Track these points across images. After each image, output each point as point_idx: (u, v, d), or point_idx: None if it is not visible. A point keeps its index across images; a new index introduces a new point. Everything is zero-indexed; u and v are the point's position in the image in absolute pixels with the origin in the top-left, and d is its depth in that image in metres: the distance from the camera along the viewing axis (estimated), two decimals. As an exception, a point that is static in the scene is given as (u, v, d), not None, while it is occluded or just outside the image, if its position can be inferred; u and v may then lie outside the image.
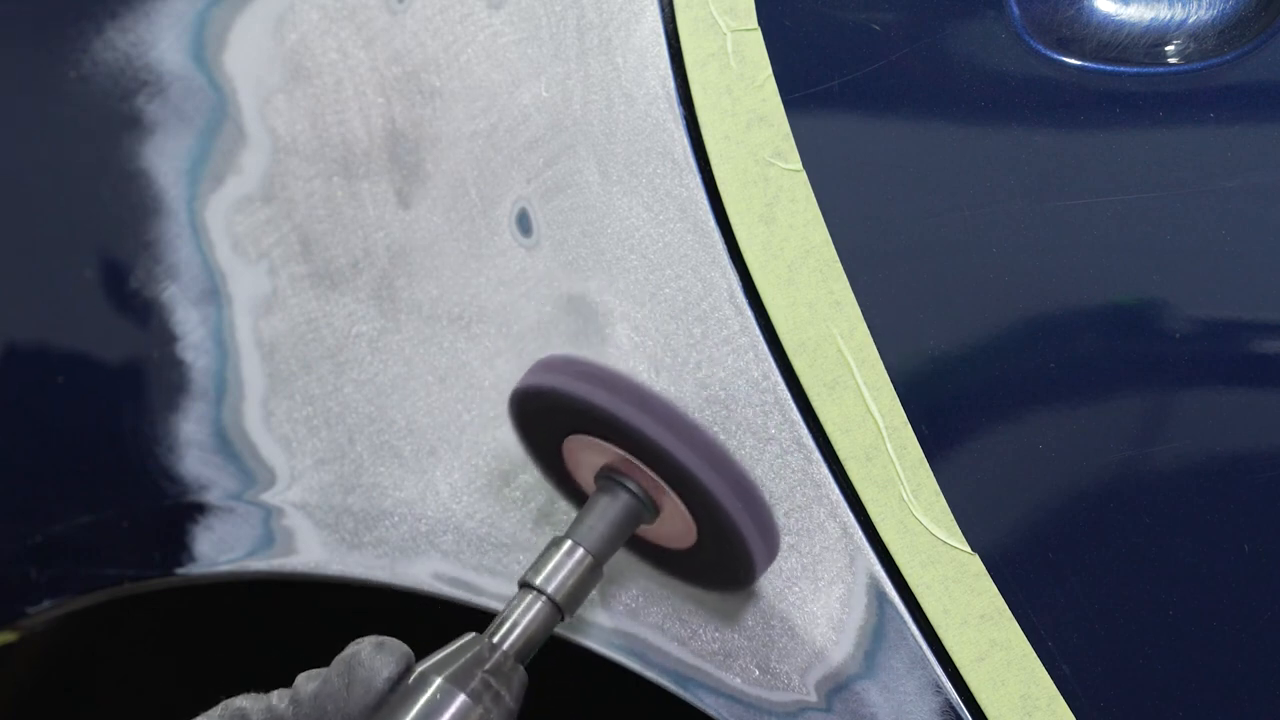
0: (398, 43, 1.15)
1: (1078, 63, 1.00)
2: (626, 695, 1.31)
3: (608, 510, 1.00)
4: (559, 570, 0.98)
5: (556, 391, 0.98)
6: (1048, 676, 1.00)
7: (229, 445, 1.20)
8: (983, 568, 1.00)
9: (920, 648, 1.02)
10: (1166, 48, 0.99)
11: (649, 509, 1.01)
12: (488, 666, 0.93)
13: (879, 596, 1.03)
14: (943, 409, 1.01)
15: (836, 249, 1.02)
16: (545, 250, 1.12)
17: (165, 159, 1.23)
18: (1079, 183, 0.99)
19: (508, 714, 0.93)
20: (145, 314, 1.23)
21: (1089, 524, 0.99)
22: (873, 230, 1.03)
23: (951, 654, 1.01)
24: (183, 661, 1.66)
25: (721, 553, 1.01)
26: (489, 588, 1.15)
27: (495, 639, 0.95)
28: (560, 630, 1.12)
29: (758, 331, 1.05)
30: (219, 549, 1.20)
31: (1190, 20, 0.99)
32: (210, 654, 1.66)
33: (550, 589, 0.97)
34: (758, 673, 1.07)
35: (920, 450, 1.01)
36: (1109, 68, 0.99)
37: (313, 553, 1.17)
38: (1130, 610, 0.99)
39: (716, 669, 1.08)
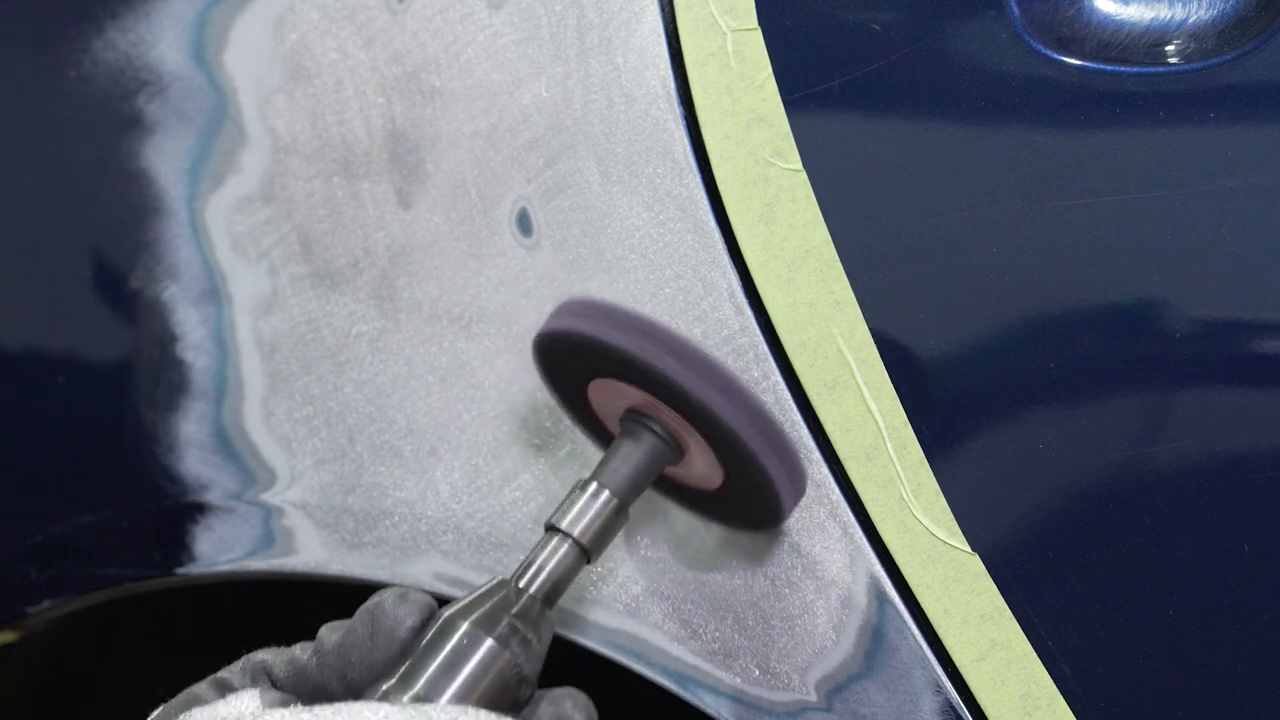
0: (398, 43, 1.15)
1: (1078, 63, 1.00)
2: (626, 695, 1.31)
3: (633, 452, 0.99)
4: (585, 513, 0.97)
5: (580, 335, 0.97)
6: (1048, 676, 1.00)
7: (229, 445, 1.20)
8: (983, 568, 1.00)
9: (920, 647, 1.02)
10: (1166, 48, 0.99)
11: (674, 450, 1.00)
12: (515, 610, 0.92)
13: (879, 596, 1.03)
14: (943, 409, 1.01)
15: (836, 249, 1.02)
16: (545, 250, 1.12)
17: (165, 159, 1.23)
18: (1079, 183, 0.99)
19: (536, 658, 0.92)
20: (145, 314, 1.23)
21: (1089, 524, 0.99)
22: (873, 230, 1.03)
23: (952, 654, 1.01)
24: (183, 661, 1.66)
25: (749, 492, 1.00)
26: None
27: (521, 583, 0.94)
28: (560, 630, 1.13)
29: (758, 331, 1.05)
30: (219, 549, 1.20)
31: (1190, 20, 0.99)
32: (211, 654, 1.66)
33: (576, 532, 0.96)
34: (758, 673, 1.07)
35: (920, 450, 1.01)
36: (1109, 68, 0.99)
37: (313, 553, 1.17)
38: (1130, 610, 0.99)
39: (716, 669, 1.08)
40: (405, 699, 0.86)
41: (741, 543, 1.07)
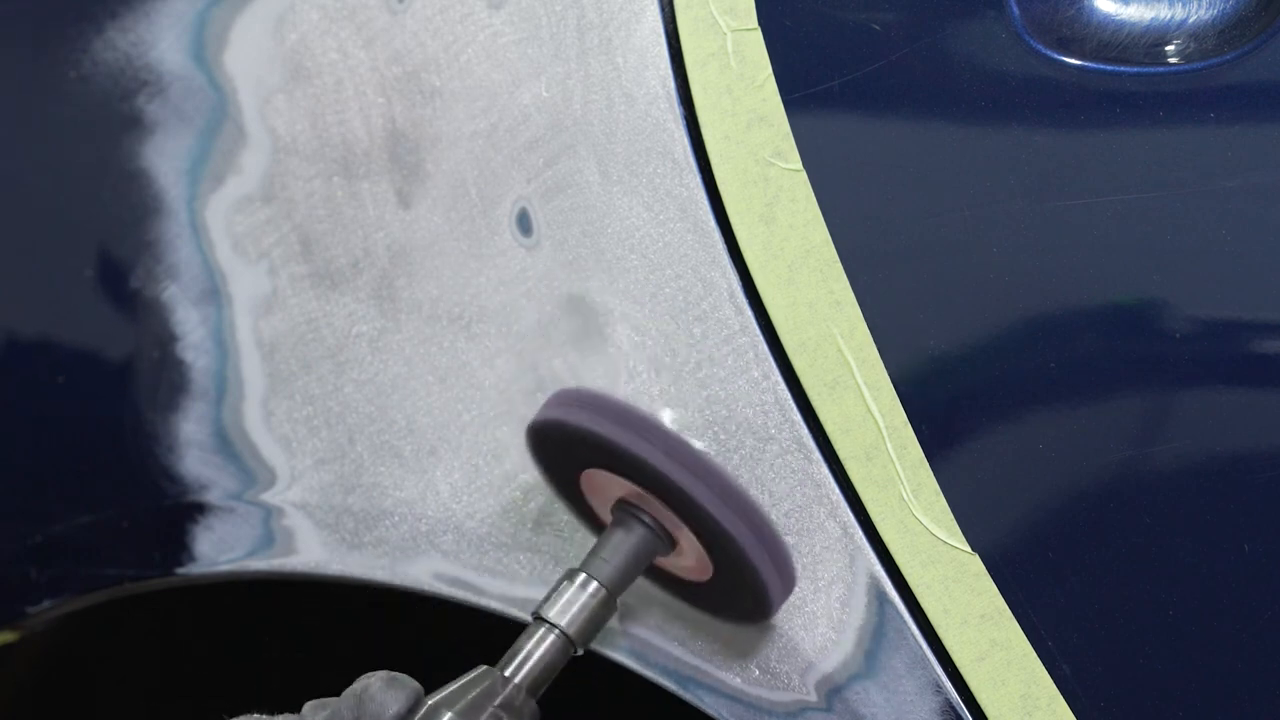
0: (398, 43, 1.15)
1: (1078, 63, 1.00)
2: (627, 695, 1.31)
3: (623, 543, 1.00)
4: (572, 604, 0.98)
5: (573, 427, 0.99)
6: (1048, 676, 1.00)
7: (229, 445, 1.20)
8: (983, 568, 1.00)
9: (920, 648, 1.02)
10: (1166, 48, 0.99)
11: (664, 543, 1.01)
12: (499, 701, 0.92)
13: (879, 596, 1.03)
14: (943, 409, 1.01)
15: (836, 249, 1.02)
16: (545, 250, 1.12)
17: (165, 159, 1.23)
18: (1079, 183, 0.99)
19: None
20: (145, 314, 1.23)
21: (1089, 524, 0.99)
22: (873, 230, 1.03)
23: (952, 654, 1.01)
24: (183, 662, 1.66)
25: (738, 587, 1.01)
26: (489, 588, 1.15)
27: (507, 672, 0.95)
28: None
29: (758, 331, 1.05)
30: (219, 549, 1.20)
31: (1190, 20, 0.99)
32: (210, 654, 1.66)
33: (564, 623, 0.97)
34: (758, 673, 1.07)
35: (920, 450, 1.01)
36: (1109, 68, 0.99)
37: (313, 553, 1.17)
38: (1130, 610, 0.99)
39: (716, 669, 1.08)
40: None
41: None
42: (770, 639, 1.06)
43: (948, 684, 1.02)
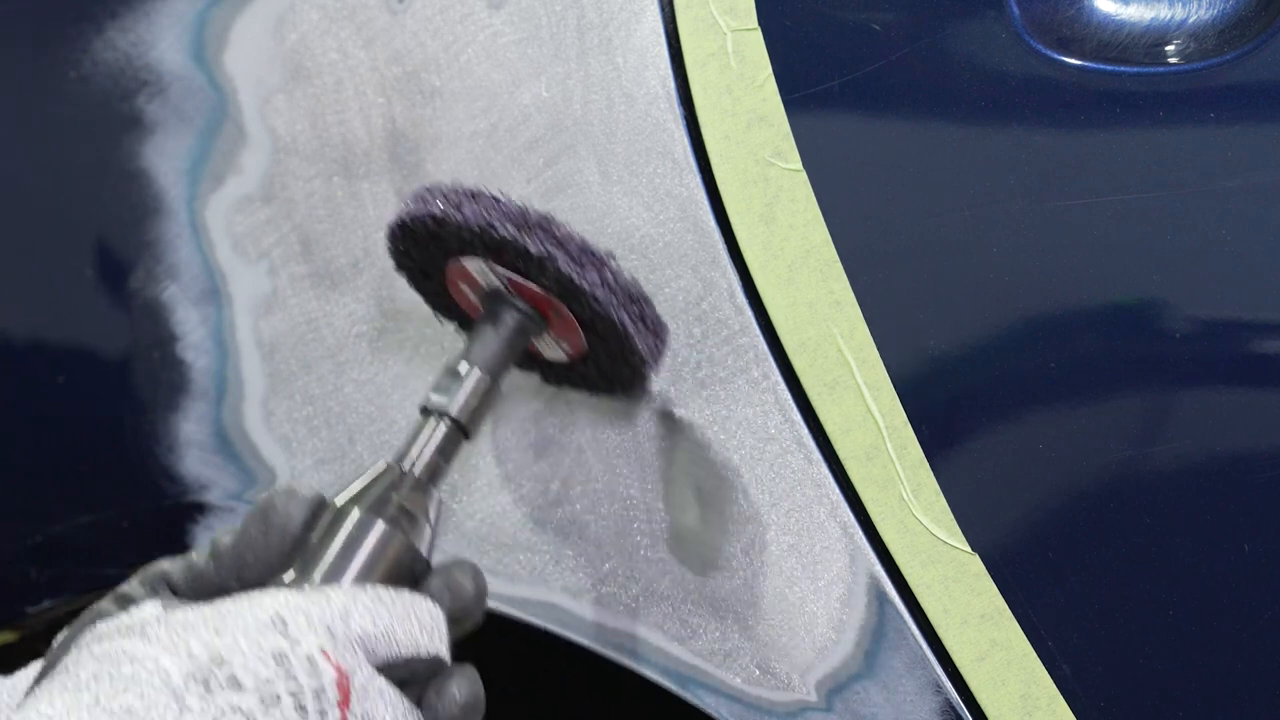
0: (398, 43, 1.15)
1: (1078, 63, 1.00)
2: (627, 695, 1.31)
3: (497, 330, 1.01)
4: (459, 393, 0.99)
5: (432, 217, 1.00)
6: (1048, 676, 1.00)
7: (229, 445, 1.20)
8: (983, 568, 1.00)
9: (920, 648, 1.02)
10: (1166, 48, 0.99)
11: (537, 322, 1.02)
12: (403, 492, 0.93)
13: (879, 596, 1.03)
14: (943, 409, 1.01)
15: (836, 249, 1.02)
16: (545, 250, 1.12)
17: (165, 159, 1.23)
18: (1079, 183, 0.99)
19: (428, 536, 0.94)
20: (145, 314, 1.23)
21: (1089, 524, 0.99)
22: (873, 230, 1.03)
23: (952, 654, 1.01)
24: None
25: (613, 354, 1.03)
26: (489, 588, 1.15)
27: (406, 466, 0.96)
28: (560, 630, 1.13)
29: (758, 331, 1.05)
30: (219, 549, 1.20)
31: (1190, 20, 0.99)
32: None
33: (453, 411, 0.98)
34: (758, 673, 1.07)
35: (920, 450, 1.01)
36: (1109, 68, 0.99)
37: (313, 553, 1.17)
38: (1130, 610, 0.99)
39: (716, 669, 1.08)
40: (305, 587, 0.87)
41: (742, 542, 1.07)
42: (770, 639, 1.06)
43: (948, 684, 1.02)
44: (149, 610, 0.84)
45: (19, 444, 1.28)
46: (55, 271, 1.27)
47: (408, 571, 0.91)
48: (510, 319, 1.02)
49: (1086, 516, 0.99)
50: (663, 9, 1.07)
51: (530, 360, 1.07)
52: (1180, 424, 0.99)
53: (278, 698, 0.79)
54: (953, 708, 1.02)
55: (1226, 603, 0.98)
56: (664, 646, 1.10)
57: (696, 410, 1.07)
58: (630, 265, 1.09)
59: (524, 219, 0.98)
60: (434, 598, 0.90)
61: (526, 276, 0.99)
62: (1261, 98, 0.99)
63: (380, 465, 0.95)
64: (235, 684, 0.79)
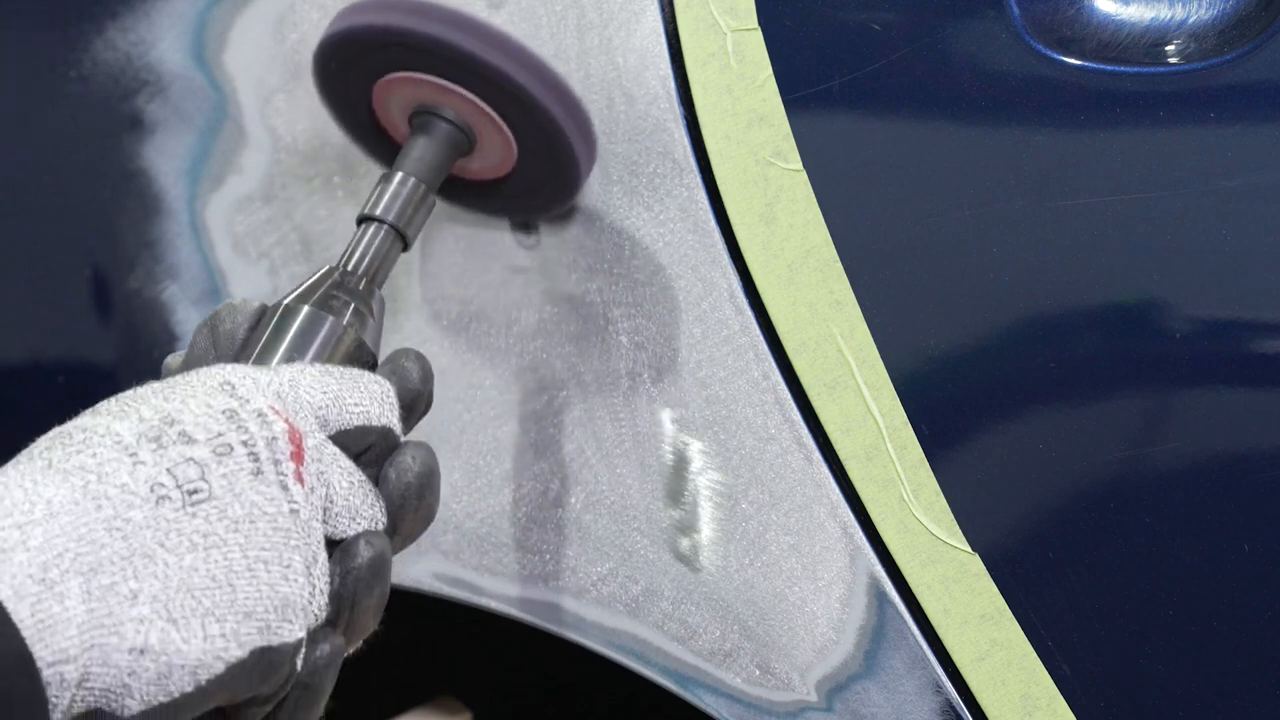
0: (398, 43, 1.14)
1: (1078, 63, 1.00)
2: (627, 695, 1.31)
3: (429, 141, 1.03)
4: (395, 200, 1.00)
5: (363, 29, 1.01)
6: (1048, 676, 1.00)
7: (229, 445, 1.19)
8: (983, 568, 1.00)
9: (920, 647, 1.02)
10: (1166, 48, 0.99)
11: (467, 134, 1.04)
12: (347, 290, 0.95)
13: (879, 596, 1.03)
14: (943, 409, 1.01)
15: (836, 249, 1.02)
16: (545, 250, 1.12)
17: (165, 159, 1.23)
18: (1079, 183, 0.99)
19: (374, 330, 0.95)
20: (145, 314, 1.23)
21: (1089, 524, 0.99)
22: (873, 230, 1.03)
23: (952, 654, 1.01)
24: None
25: (544, 160, 1.05)
26: (489, 588, 1.15)
27: (349, 266, 0.98)
28: (560, 630, 1.13)
29: (758, 331, 1.05)
30: (219, 549, 1.19)
31: (1190, 20, 0.99)
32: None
33: (391, 217, 1.00)
34: (758, 673, 1.07)
35: (920, 450, 1.01)
36: (1109, 68, 0.99)
37: (313, 553, 1.17)
38: (1130, 610, 0.99)
39: (716, 669, 1.08)
40: None
41: (742, 542, 1.07)
42: (770, 639, 1.06)
43: (948, 684, 1.02)
44: (101, 401, 0.85)
45: (19, 444, 1.28)
46: (55, 271, 1.27)
47: (356, 363, 0.93)
48: (440, 128, 1.03)
49: (1086, 516, 0.99)
50: (663, 9, 1.07)
51: (460, 186, 1.09)
52: (1180, 424, 0.99)
53: (230, 447, 0.79)
54: (953, 708, 1.02)
55: (1226, 603, 0.98)
56: (664, 646, 1.10)
57: (696, 410, 1.07)
58: (630, 265, 1.09)
59: (450, 20, 1.00)
60: None
61: (454, 80, 1.01)
62: (1261, 98, 0.99)
63: (323, 268, 0.96)
64: (187, 438, 0.79)
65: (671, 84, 1.06)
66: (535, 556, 1.13)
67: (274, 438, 0.81)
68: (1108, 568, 0.99)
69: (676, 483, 1.08)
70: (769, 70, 1.03)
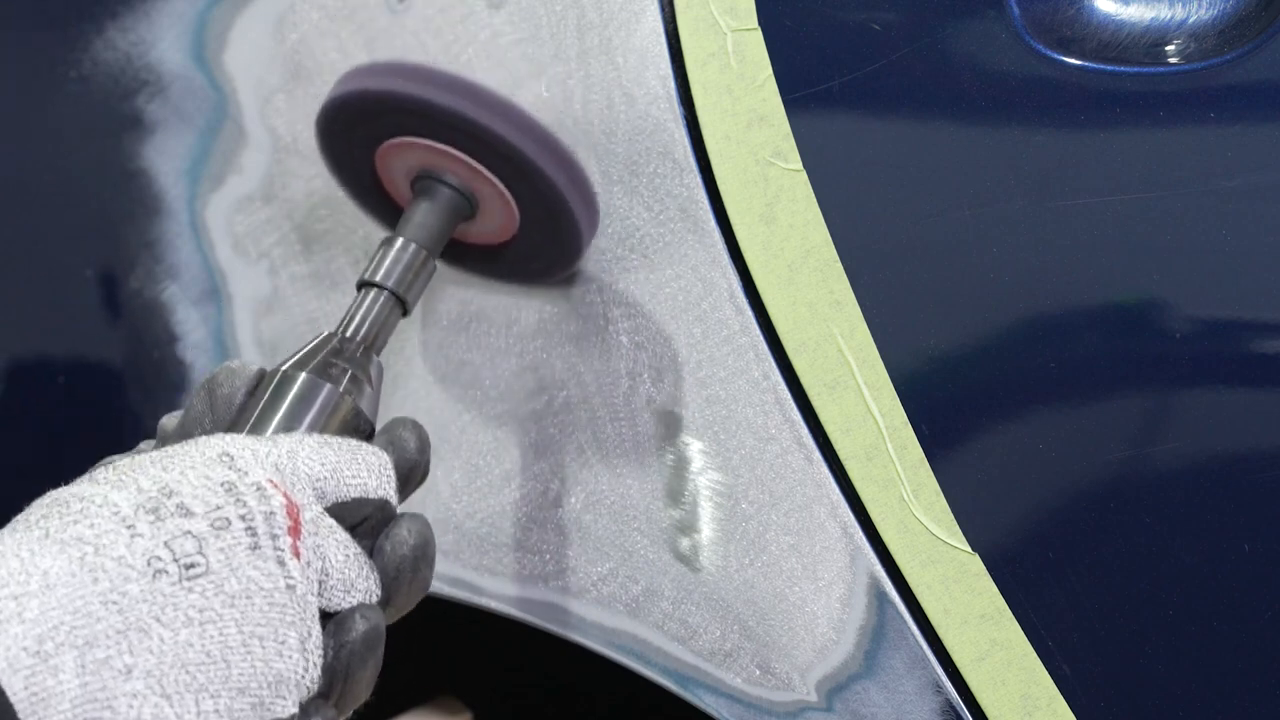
0: (398, 43, 1.15)
1: (1078, 63, 1.00)
2: (627, 695, 1.31)
3: (430, 207, 1.03)
4: (395, 265, 1.00)
5: (362, 94, 1.02)
6: (1048, 676, 1.00)
7: (229, 445, 1.19)
8: (983, 567, 1.00)
9: (920, 647, 1.02)
10: (1166, 48, 0.99)
11: (469, 200, 1.04)
12: (345, 357, 0.95)
13: (879, 596, 1.03)
14: (943, 409, 1.01)
15: (836, 249, 1.02)
16: (545, 250, 1.12)
17: (165, 159, 1.23)
18: (1079, 183, 0.99)
19: (371, 399, 0.95)
20: (145, 314, 1.23)
21: (1089, 524, 0.99)
22: (873, 230, 1.03)
23: (952, 654, 1.01)
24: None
25: (546, 227, 1.05)
26: (489, 588, 1.15)
27: (347, 333, 0.97)
28: (560, 630, 1.13)
29: (758, 331, 1.05)
30: (219, 549, 1.19)
31: (1190, 20, 0.99)
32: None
33: (391, 283, 1.00)
34: (758, 673, 1.07)
35: (920, 450, 1.01)
36: (1109, 68, 0.99)
37: (313, 553, 1.17)
38: (1130, 610, 0.99)
39: (716, 669, 1.08)
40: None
41: (742, 542, 1.07)
42: (770, 639, 1.06)
43: (948, 684, 1.02)
44: (97, 468, 0.85)
45: (19, 444, 1.28)
46: (55, 271, 1.27)
47: (353, 431, 0.92)
48: (442, 194, 1.03)
49: (1086, 516, 0.99)
50: (663, 9, 1.07)
51: (463, 253, 1.09)
52: (1180, 424, 0.99)
53: (228, 521, 0.79)
54: (953, 708, 1.02)
55: (1226, 603, 0.98)
56: (664, 646, 1.10)
57: (696, 410, 1.07)
58: (630, 265, 1.09)
59: (454, 86, 1.00)
60: None
61: (458, 146, 1.01)
62: (1261, 98, 0.99)
63: (321, 334, 0.96)
64: (185, 511, 0.79)
65: (671, 84, 1.06)
66: (535, 556, 1.13)
67: (272, 512, 0.81)
68: (1108, 568, 0.99)
69: (676, 483, 1.08)
70: (769, 70, 1.03)
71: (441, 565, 1.15)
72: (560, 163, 1.02)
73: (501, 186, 1.03)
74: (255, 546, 0.79)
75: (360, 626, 0.84)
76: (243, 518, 0.80)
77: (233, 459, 0.82)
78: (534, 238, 1.06)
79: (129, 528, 0.77)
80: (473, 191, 1.03)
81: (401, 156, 1.04)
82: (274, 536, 0.80)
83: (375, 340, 0.98)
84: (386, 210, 1.10)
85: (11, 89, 1.28)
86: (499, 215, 1.05)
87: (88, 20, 1.24)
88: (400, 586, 0.87)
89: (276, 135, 1.19)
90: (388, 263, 1.00)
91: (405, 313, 1.00)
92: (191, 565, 0.77)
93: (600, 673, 1.16)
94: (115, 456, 0.92)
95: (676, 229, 1.07)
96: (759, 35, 1.03)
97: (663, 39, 1.06)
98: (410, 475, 0.91)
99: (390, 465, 0.89)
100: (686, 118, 1.06)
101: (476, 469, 1.14)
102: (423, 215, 1.03)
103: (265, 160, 1.20)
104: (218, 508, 0.79)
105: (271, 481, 0.82)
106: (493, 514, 1.14)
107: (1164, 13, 0.99)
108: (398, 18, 1.15)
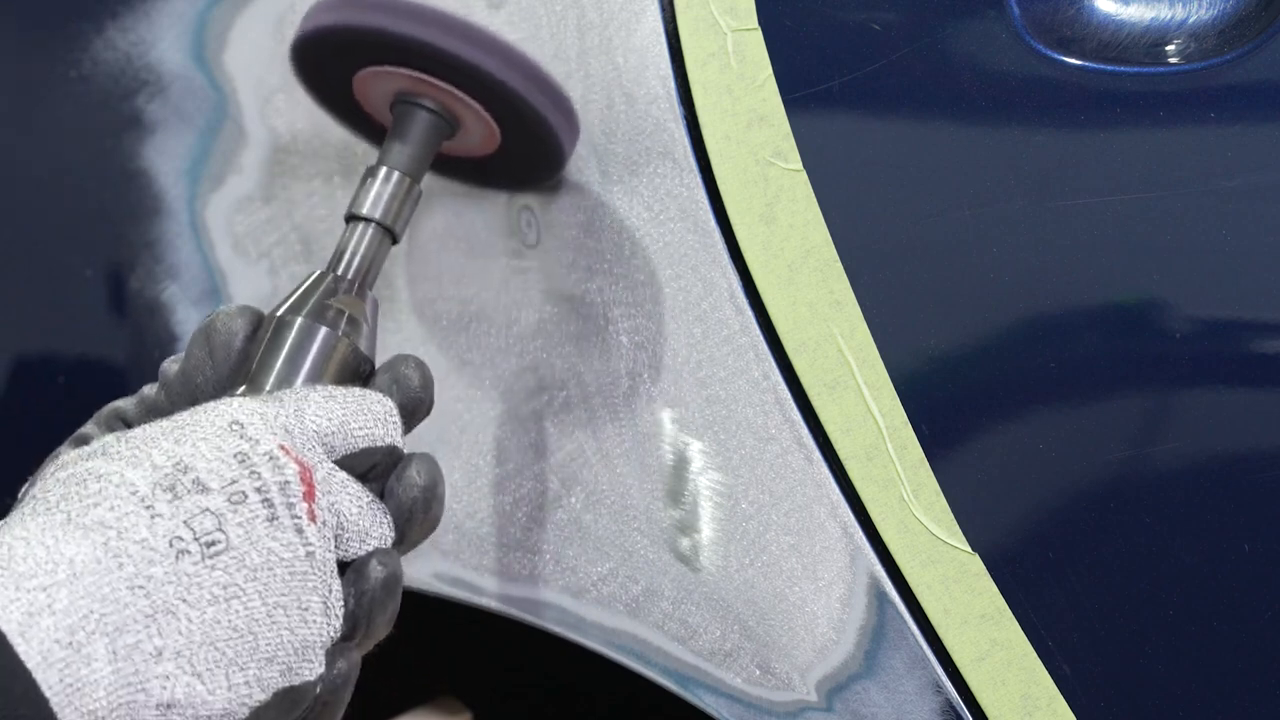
0: (398, 43, 1.14)
1: (1078, 63, 1.00)
2: (627, 695, 1.31)
3: (410, 133, 1.03)
4: (381, 196, 1.01)
5: (334, 28, 1.02)
6: (1048, 676, 1.00)
7: (229, 445, 1.19)
8: (983, 567, 1.00)
9: (920, 647, 1.02)
10: (1166, 48, 0.99)
11: (448, 122, 1.04)
12: (339, 296, 0.95)
13: (879, 596, 1.03)
14: (943, 409, 1.01)
15: (836, 249, 1.02)
16: (545, 250, 1.12)
17: (165, 159, 1.23)
18: (1079, 183, 0.99)
19: (369, 336, 0.96)
20: (146, 314, 1.23)
21: (1089, 524, 0.99)
22: (873, 230, 1.03)
23: (952, 654, 1.01)
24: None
25: (527, 140, 1.05)
26: (489, 588, 1.15)
27: (339, 271, 0.98)
28: (560, 630, 1.13)
29: (758, 331, 1.05)
30: (219, 549, 1.19)
31: (1190, 20, 0.99)
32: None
33: (378, 215, 1.00)
34: (758, 673, 1.07)
35: (920, 450, 1.01)
36: (1109, 68, 0.99)
37: (313, 553, 1.17)
38: (1130, 610, 0.99)
39: (716, 669, 1.08)
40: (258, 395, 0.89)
41: (742, 542, 1.07)
42: (770, 639, 1.06)
43: (948, 684, 1.02)
44: (109, 438, 0.85)
45: (19, 444, 1.28)
46: (55, 271, 1.27)
47: (354, 372, 0.93)
48: (421, 120, 1.03)
49: (1086, 516, 0.99)
50: (663, 9, 1.07)
51: (447, 163, 1.09)
52: (1180, 424, 0.99)
53: (244, 495, 0.80)
54: (953, 707, 1.02)
55: (1226, 603, 0.98)
56: (664, 646, 1.10)
57: (696, 410, 1.07)
58: (630, 265, 1.09)
59: (418, 15, 1.00)
60: (382, 392, 0.92)
61: (431, 75, 1.01)
62: (1261, 98, 0.99)
63: (313, 274, 0.96)
64: (201, 486, 0.80)
65: (671, 84, 1.06)
66: (535, 556, 1.13)
67: (286, 481, 0.82)
68: (1108, 568, 0.99)
69: (676, 483, 1.08)
70: (769, 70, 1.03)
71: (442, 565, 1.15)
72: (531, 79, 1.03)
73: (478, 106, 1.03)
74: (273, 518, 0.81)
75: (378, 573, 0.86)
76: (258, 490, 0.81)
77: (243, 427, 0.83)
78: (516, 149, 1.07)
79: (148, 508, 0.78)
80: (451, 111, 1.04)
81: (378, 83, 1.04)
82: (290, 505, 0.81)
83: (368, 275, 0.98)
84: (371, 129, 1.10)
85: (11, 88, 1.28)
86: (480, 131, 1.05)
87: (88, 20, 1.24)
88: (413, 526, 0.89)
89: (276, 135, 1.19)
90: (373, 194, 1.00)
91: (395, 241, 1.01)
92: (212, 543, 0.79)
93: (600, 673, 1.16)
94: (117, 401, 0.93)
95: (676, 229, 1.07)
96: (759, 35, 1.03)
97: (663, 39, 1.06)
98: (415, 412, 0.92)
99: (395, 410, 0.90)
100: (686, 118, 1.06)
101: (476, 469, 1.14)
102: (403, 141, 1.03)
103: (265, 160, 1.20)
104: (233, 481, 0.81)
105: (283, 447, 0.83)
106: (493, 514, 1.14)
107: (1164, 13, 0.99)
108: (398, 18, 1.15)
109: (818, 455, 1.04)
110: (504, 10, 1.11)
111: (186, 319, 1.22)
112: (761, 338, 1.05)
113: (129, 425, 0.92)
